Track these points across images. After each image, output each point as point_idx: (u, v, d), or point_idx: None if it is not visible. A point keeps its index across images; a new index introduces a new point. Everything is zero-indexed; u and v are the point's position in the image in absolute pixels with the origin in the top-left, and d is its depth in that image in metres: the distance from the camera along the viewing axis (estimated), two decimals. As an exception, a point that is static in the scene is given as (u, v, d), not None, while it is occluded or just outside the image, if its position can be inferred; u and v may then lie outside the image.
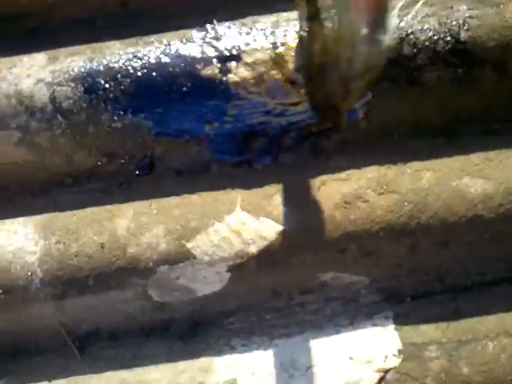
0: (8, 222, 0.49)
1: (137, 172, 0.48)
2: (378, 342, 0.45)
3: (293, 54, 0.46)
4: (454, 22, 0.45)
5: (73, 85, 0.47)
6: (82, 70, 0.48)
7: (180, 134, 0.47)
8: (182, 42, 0.48)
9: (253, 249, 0.45)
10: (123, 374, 0.46)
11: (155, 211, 0.47)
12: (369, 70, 0.40)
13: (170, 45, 0.48)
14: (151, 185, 0.50)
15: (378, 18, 0.37)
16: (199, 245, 0.45)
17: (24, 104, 0.48)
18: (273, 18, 0.49)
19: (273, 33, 0.46)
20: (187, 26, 0.50)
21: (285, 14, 0.48)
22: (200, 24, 0.49)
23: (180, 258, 0.46)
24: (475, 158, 0.45)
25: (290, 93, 0.46)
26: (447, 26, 0.46)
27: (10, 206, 0.50)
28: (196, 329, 0.47)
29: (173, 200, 0.47)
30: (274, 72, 0.45)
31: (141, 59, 0.48)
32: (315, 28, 0.40)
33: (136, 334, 0.48)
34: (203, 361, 0.46)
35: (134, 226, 0.47)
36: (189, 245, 0.45)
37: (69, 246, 0.46)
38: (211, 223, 0.46)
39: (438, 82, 0.46)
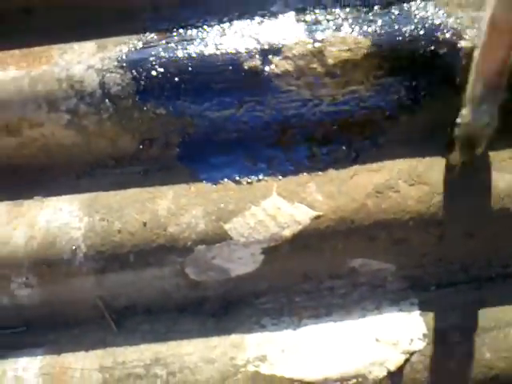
0: (54, 199, 0.51)
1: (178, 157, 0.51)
2: (404, 327, 0.46)
3: (331, 48, 0.48)
4: None
5: (121, 72, 0.50)
6: (131, 57, 0.51)
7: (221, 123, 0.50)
8: (224, 34, 0.51)
9: (287, 232, 0.47)
10: (157, 347, 0.48)
11: (194, 194, 0.49)
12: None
13: (214, 37, 0.51)
14: (189, 170, 0.53)
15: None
16: (236, 227, 0.47)
17: (74, 88, 0.50)
18: (311, 15, 0.51)
19: (312, 29, 0.49)
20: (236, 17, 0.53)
21: (324, 12, 0.51)
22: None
23: (217, 238, 0.48)
24: (504, 153, 0.47)
25: (328, 86, 0.49)
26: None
27: (56, 185, 0.52)
28: (228, 307, 0.49)
29: (211, 184, 0.50)
30: (313, 65, 0.48)
31: (185, 50, 0.51)
32: None
33: (171, 310, 0.50)
34: (234, 337, 0.48)
35: (174, 206, 0.49)
36: (226, 226, 0.48)
37: (112, 223, 0.49)
38: (248, 207, 0.48)
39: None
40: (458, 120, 0.43)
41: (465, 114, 0.42)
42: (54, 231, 0.49)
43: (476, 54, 0.43)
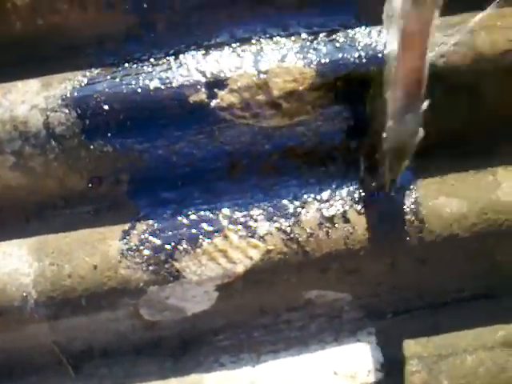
0: (3, 244, 0.51)
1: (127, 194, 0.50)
2: (362, 358, 0.47)
3: (276, 79, 0.48)
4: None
5: (66, 110, 0.49)
6: (75, 95, 0.50)
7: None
8: (169, 68, 0.51)
9: (239, 268, 0.47)
10: None
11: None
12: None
13: (159, 71, 0.51)
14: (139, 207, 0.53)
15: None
16: (188, 265, 0.47)
17: (19, 129, 0.50)
18: (256, 46, 0.51)
19: (257, 60, 0.49)
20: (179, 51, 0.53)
21: (270, 41, 0.51)
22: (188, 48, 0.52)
23: (169, 278, 0.48)
24: (451, 178, 0.48)
25: (274, 117, 0.48)
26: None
27: (4, 228, 0.51)
28: (186, 346, 0.49)
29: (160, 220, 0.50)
30: (259, 97, 0.47)
31: (130, 85, 0.51)
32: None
33: (128, 352, 0.50)
34: (194, 377, 0.47)
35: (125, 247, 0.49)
36: (177, 265, 0.47)
37: (62, 267, 0.48)
38: (199, 243, 0.48)
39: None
40: (384, 134, 0.43)
41: (390, 125, 0.42)
42: (3, 278, 0.48)
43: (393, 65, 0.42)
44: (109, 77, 0.52)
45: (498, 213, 0.47)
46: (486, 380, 0.45)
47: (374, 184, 0.49)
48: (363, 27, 0.50)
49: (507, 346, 0.45)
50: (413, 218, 0.48)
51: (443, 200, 0.47)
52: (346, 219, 0.48)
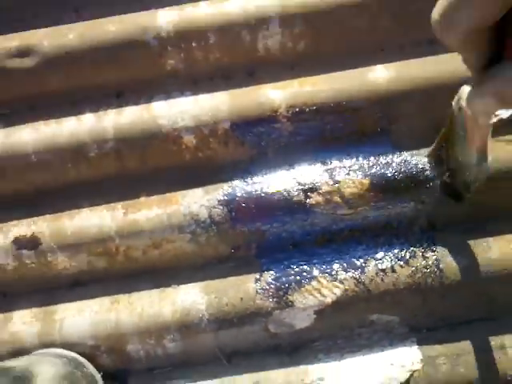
0: (183, 286, 0.81)
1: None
2: (408, 356, 0.72)
3: (345, 186, 0.78)
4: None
5: (221, 207, 0.82)
6: (225, 198, 0.83)
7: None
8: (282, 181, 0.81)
9: (328, 300, 0.75)
10: (254, 375, 0.76)
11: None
12: (478, 180, 0.61)
13: (272, 182, 0.82)
14: (260, 263, 0.83)
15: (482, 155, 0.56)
16: (297, 298, 0.76)
17: (193, 219, 0.76)
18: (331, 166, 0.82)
19: (333, 174, 0.79)
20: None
21: (339, 163, 0.81)
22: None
23: (286, 306, 0.77)
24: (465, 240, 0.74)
25: (345, 208, 0.78)
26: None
27: (183, 276, 0.83)
28: (295, 349, 0.76)
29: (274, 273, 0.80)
30: (336, 198, 0.78)
31: (258, 191, 0.82)
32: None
33: (259, 353, 0.77)
34: (302, 367, 0.75)
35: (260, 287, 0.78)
36: (290, 298, 0.76)
37: (221, 299, 0.78)
38: (302, 285, 0.77)
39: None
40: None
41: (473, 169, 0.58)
42: (188, 306, 0.79)
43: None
44: (244, 185, 0.84)
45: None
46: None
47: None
48: (397, 152, 0.80)
49: (502, 348, 0.69)
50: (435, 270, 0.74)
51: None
52: (393, 270, 0.76)
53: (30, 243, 0.81)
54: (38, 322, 0.78)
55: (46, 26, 0.92)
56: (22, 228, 0.82)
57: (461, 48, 0.34)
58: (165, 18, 0.85)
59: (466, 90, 0.48)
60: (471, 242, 0.71)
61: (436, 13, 0.33)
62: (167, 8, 0.87)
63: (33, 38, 0.88)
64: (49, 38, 0.87)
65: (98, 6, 0.93)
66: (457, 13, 0.31)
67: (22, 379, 0.66)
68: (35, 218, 0.83)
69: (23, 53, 0.88)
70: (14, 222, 0.83)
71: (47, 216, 0.82)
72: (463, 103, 0.50)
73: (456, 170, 0.64)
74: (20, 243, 0.82)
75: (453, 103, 0.57)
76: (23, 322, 0.79)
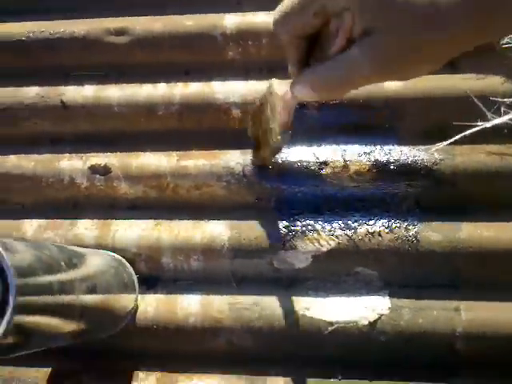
0: (209, 223, 1.03)
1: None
2: (381, 303, 0.88)
3: (352, 165, 0.97)
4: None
5: (249, 168, 1.03)
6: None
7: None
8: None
9: (324, 249, 0.93)
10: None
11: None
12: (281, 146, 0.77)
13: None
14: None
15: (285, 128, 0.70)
16: (299, 243, 0.94)
17: (229, 171, 1.03)
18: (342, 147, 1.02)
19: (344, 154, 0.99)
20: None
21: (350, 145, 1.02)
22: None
23: (289, 248, 0.95)
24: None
25: (349, 181, 0.97)
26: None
27: (210, 210, 1.03)
28: (291, 282, 0.92)
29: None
30: (343, 172, 0.97)
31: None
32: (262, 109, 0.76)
33: (263, 280, 0.96)
34: (294, 298, 0.92)
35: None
36: (295, 242, 0.95)
37: (242, 234, 0.98)
38: (306, 234, 0.96)
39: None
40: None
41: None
42: (213, 237, 0.99)
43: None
44: None
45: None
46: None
47: None
48: (399, 145, 0.99)
49: (457, 310, 0.85)
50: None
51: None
52: (379, 234, 0.93)
53: (103, 170, 1.04)
54: (97, 230, 1.00)
55: (139, 15, 1.18)
56: (99, 159, 1.05)
57: (286, 45, 0.44)
58: (230, 20, 1.09)
59: (274, 81, 0.70)
60: (447, 223, 0.88)
61: (275, 13, 0.42)
62: (233, 13, 1.12)
63: (128, 23, 1.14)
64: (140, 24, 1.13)
65: (180, 6, 1.19)
66: (284, 19, 0.40)
67: (77, 256, 0.81)
68: (109, 154, 1.04)
69: (119, 32, 1.14)
70: (93, 154, 1.07)
71: (118, 153, 1.04)
72: (273, 89, 0.68)
73: (262, 141, 0.80)
74: (95, 169, 1.05)
75: (265, 89, 0.75)
76: (85, 228, 1.01)
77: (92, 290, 0.71)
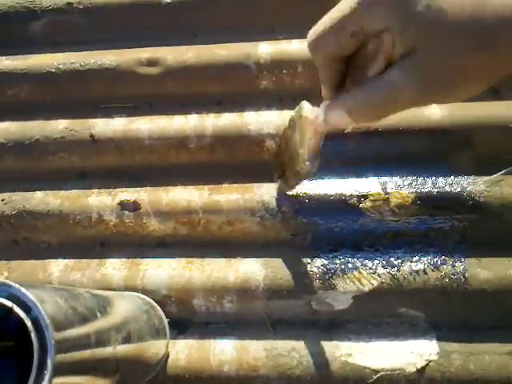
0: (243, 260, 0.99)
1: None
2: (427, 347, 0.83)
3: (393, 198, 0.92)
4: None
5: (287, 204, 1.00)
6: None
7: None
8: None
9: (366, 289, 0.89)
10: (294, 342, 0.89)
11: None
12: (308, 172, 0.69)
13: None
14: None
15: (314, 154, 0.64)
16: (339, 283, 0.90)
17: (264, 206, 1.00)
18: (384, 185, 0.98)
19: (385, 187, 0.94)
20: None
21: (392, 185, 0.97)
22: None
23: (329, 288, 0.90)
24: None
25: (391, 215, 0.92)
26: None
27: (242, 249, 1.00)
28: (332, 326, 0.89)
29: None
30: (384, 206, 0.92)
31: (314, 197, 0.99)
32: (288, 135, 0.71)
33: (299, 324, 0.91)
34: (334, 342, 0.87)
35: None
36: (334, 282, 0.90)
37: (277, 274, 0.94)
38: (346, 273, 0.91)
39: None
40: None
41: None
42: (247, 276, 0.96)
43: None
44: (309, 185, 1.01)
45: None
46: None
47: None
48: (444, 176, 0.94)
49: (510, 354, 0.78)
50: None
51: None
52: (425, 272, 0.88)
53: (132, 206, 1.02)
54: (126, 270, 0.97)
55: (171, 45, 1.17)
56: (128, 194, 1.03)
57: (321, 67, 0.43)
58: (264, 49, 1.07)
59: (305, 103, 0.64)
60: (496, 259, 0.82)
61: (310, 33, 0.41)
62: (267, 42, 1.10)
63: (160, 53, 1.13)
64: (172, 54, 1.12)
65: (212, 35, 1.17)
66: (320, 40, 0.40)
67: (109, 302, 0.78)
68: (139, 188, 1.02)
69: (151, 63, 1.13)
70: (122, 189, 1.05)
71: (148, 188, 1.01)
72: (303, 112, 0.62)
73: (288, 166, 0.75)
74: (124, 205, 1.03)
75: (294, 113, 0.70)
76: (113, 268, 0.98)
77: (127, 339, 0.68)
